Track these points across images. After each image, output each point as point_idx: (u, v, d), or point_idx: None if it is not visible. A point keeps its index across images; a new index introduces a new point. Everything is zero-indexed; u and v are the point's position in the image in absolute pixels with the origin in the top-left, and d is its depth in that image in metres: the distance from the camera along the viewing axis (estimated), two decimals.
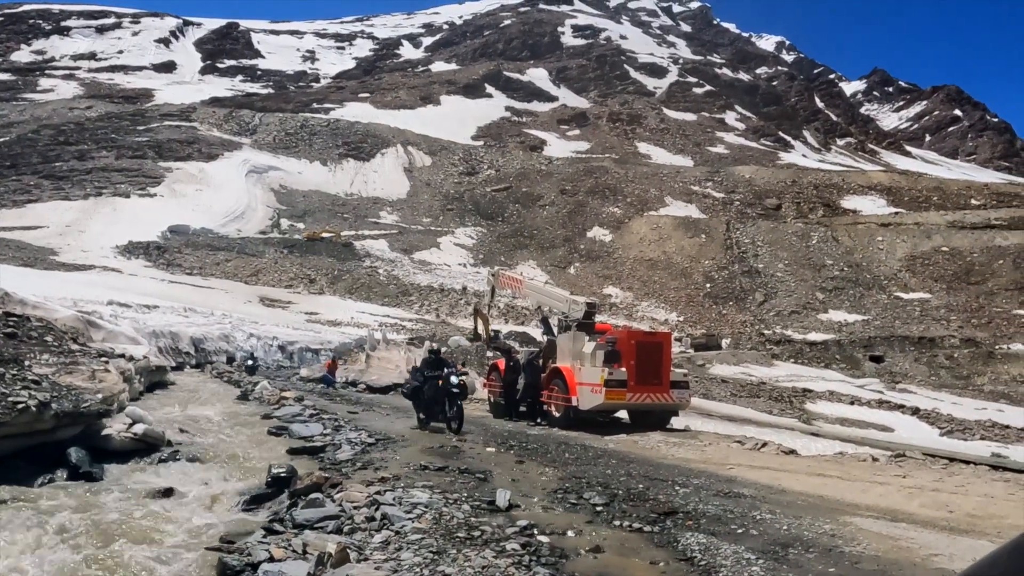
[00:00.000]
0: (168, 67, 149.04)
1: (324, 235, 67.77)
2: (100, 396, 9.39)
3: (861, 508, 7.65)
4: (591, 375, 14.02)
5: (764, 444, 12.18)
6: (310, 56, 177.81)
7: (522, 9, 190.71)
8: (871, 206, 77.69)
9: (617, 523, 6.41)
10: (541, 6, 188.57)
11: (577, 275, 66.63)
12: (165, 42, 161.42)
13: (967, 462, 10.73)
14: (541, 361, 16.15)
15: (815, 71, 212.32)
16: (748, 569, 5.25)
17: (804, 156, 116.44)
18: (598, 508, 6.91)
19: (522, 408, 16.03)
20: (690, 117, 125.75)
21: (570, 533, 6.01)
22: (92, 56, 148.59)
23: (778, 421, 22.67)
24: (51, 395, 8.40)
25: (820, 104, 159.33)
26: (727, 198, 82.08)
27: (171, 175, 76.50)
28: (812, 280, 61.59)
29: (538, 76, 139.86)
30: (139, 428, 9.57)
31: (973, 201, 76.38)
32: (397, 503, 6.47)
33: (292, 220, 74.14)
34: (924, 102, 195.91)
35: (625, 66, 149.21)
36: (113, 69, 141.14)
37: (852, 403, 29.92)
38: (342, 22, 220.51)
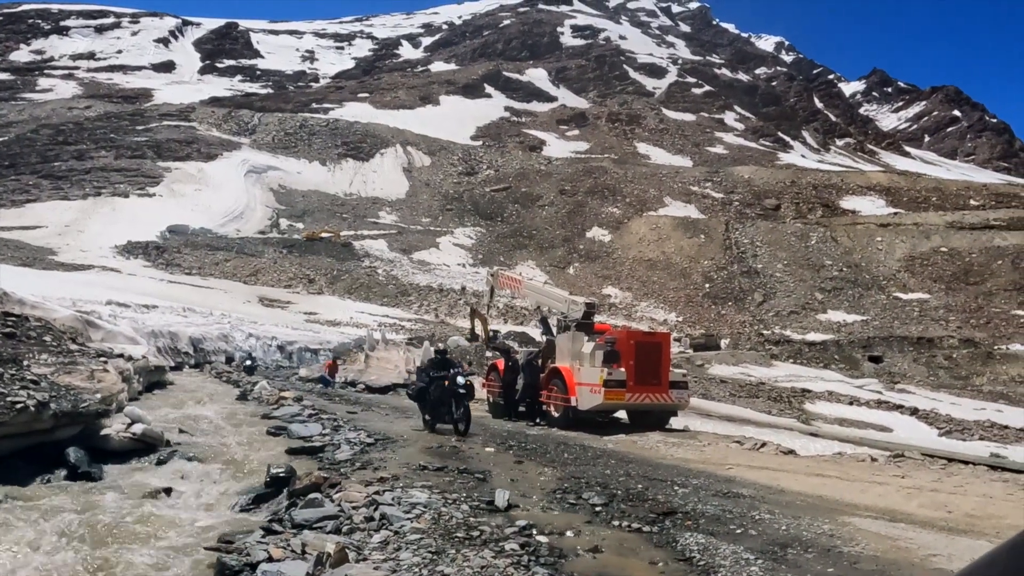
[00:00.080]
0: (167, 67, 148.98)
1: (323, 235, 67.75)
2: (99, 396, 9.39)
3: (860, 508, 7.65)
4: (590, 375, 14.02)
5: (763, 444, 12.19)
6: (309, 56, 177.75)
7: (521, 9, 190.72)
8: (870, 206, 77.74)
9: (616, 523, 6.41)
10: (540, 6, 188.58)
11: (576, 275, 66.64)
12: (164, 42, 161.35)
13: (966, 462, 10.74)
14: (540, 361, 16.16)
15: (814, 71, 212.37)
16: (747, 569, 5.25)
17: (803, 156, 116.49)
18: (597, 508, 6.91)
19: (521, 408, 16.03)
20: (689, 117, 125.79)
21: (569, 533, 6.01)
22: (91, 56, 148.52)
23: (777, 421, 22.68)
24: (50, 395, 8.39)
25: (819, 104, 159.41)
26: (726, 198, 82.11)
27: (170, 175, 76.47)
28: (811, 280, 61.62)
29: (537, 76, 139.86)
30: (138, 428, 9.56)
31: (972, 202, 76.45)
32: (396, 503, 6.47)
33: (291, 220, 74.11)
34: (923, 103, 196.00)
35: (624, 66, 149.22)
36: (112, 69, 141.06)
37: (851, 403, 29.94)
38: (341, 22, 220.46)
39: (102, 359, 11.73)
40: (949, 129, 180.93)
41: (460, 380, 12.28)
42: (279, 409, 14.51)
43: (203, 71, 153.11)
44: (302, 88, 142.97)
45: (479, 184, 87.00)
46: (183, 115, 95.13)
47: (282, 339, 32.53)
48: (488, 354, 22.82)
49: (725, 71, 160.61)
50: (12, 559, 5.48)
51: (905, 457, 10.99)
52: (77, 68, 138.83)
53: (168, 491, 7.60)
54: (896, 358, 44.84)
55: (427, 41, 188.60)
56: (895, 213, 74.00)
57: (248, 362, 26.40)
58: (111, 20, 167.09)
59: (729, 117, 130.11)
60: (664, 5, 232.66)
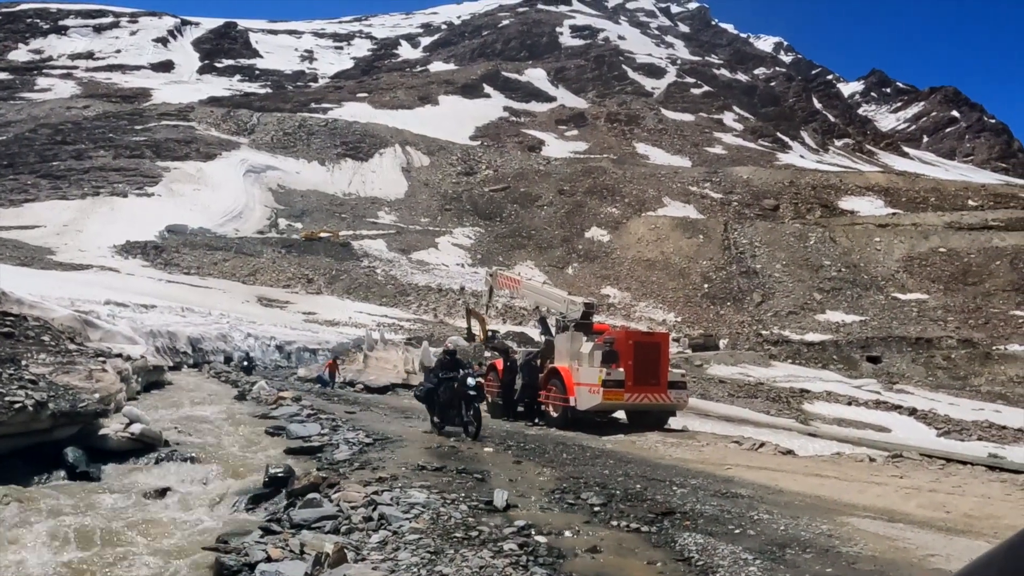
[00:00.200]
0: (166, 66, 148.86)
1: (322, 235, 67.73)
2: (97, 396, 9.38)
3: (858, 508, 7.66)
4: (589, 375, 14.03)
5: (762, 444, 12.19)
6: (308, 56, 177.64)
7: (520, 9, 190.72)
8: (869, 207, 77.80)
9: (615, 523, 6.41)
10: (539, 6, 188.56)
11: (575, 275, 66.65)
12: (163, 41, 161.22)
13: (964, 463, 10.75)
14: (539, 361, 16.16)
15: (813, 72, 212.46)
16: (745, 569, 5.25)
17: (802, 157, 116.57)
18: (596, 508, 6.91)
19: (520, 408, 16.04)
20: (688, 118, 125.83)
21: (568, 533, 6.01)
22: (90, 55, 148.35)
23: (775, 421, 22.71)
24: (48, 395, 8.39)
25: (818, 105, 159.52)
26: (725, 199, 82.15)
27: (169, 175, 76.41)
28: (810, 281, 61.66)
29: (536, 76, 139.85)
30: (136, 428, 9.55)
31: (970, 202, 76.53)
32: (395, 503, 6.47)
33: (290, 220, 74.07)
34: (922, 103, 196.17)
35: (623, 66, 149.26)
36: (111, 68, 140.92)
37: (849, 403, 29.98)
38: (340, 22, 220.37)
39: (100, 359, 11.72)
40: (948, 130, 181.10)
41: (471, 381, 11.88)
42: (278, 409, 14.50)
43: (202, 71, 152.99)
44: (301, 88, 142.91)
45: (478, 184, 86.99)
46: (182, 115, 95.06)
47: (281, 339, 32.51)
48: (487, 354, 22.85)
49: (724, 71, 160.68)
50: (10, 559, 5.47)
51: (903, 457, 11.00)
52: (76, 68, 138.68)
53: (166, 491, 7.60)
54: (894, 358, 44.90)
55: (426, 41, 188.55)
56: (894, 213, 74.06)
57: (246, 362, 26.38)
58: (110, 20, 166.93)
59: (728, 117, 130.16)
60: (663, 5, 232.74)
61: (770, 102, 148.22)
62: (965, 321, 52.99)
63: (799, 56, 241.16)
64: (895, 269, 62.09)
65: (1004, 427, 26.54)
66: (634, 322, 54.47)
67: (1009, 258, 59.30)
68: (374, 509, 6.26)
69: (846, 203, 79.44)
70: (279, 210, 76.02)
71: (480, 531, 5.81)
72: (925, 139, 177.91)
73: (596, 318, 16.74)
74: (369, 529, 5.82)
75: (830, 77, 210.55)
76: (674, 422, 15.19)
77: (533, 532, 5.89)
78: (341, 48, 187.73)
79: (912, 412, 28.83)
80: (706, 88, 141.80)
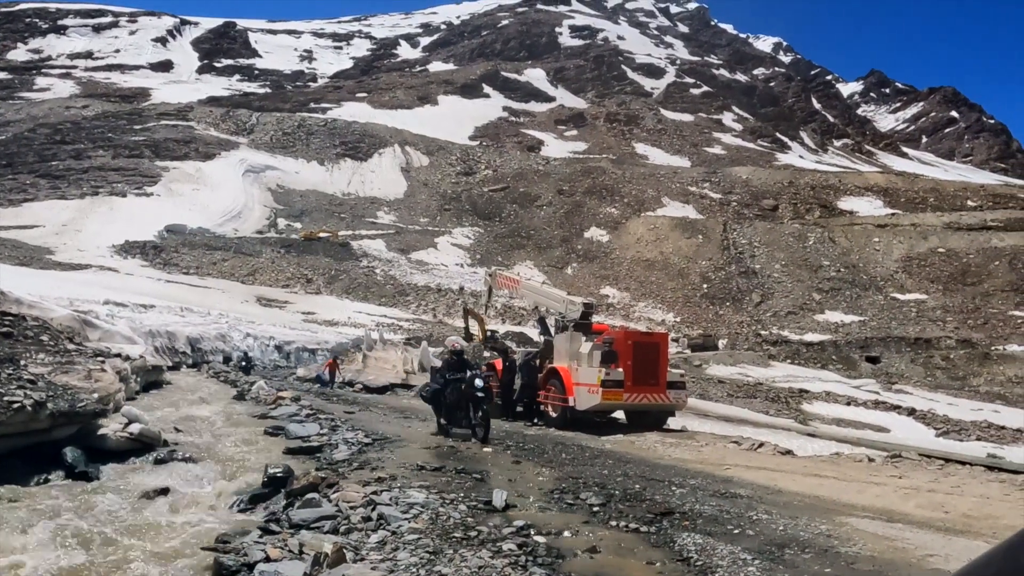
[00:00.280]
0: (165, 66, 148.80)
1: (321, 235, 67.72)
2: (96, 396, 9.37)
3: (857, 508, 7.66)
4: (588, 375, 14.03)
5: (761, 445, 12.20)
6: (307, 56, 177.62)
7: (520, 9, 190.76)
8: (868, 207, 77.86)
9: (614, 523, 6.41)
10: (539, 6, 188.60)
11: (574, 275, 66.67)
12: (162, 41, 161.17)
13: (963, 463, 10.76)
14: (538, 361, 16.16)
15: (812, 72, 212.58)
16: (744, 569, 5.25)
17: (801, 157, 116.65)
18: (595, 508, 6.91)
19: (519, 408, 16.03)
20: (687, 118, 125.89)
21: (567, 533, 6.01)
22: (89, 55, 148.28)
23: (775, 422, 22.72)
24: (47, 395, 8.38)
25: (817, 105, 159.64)
26: (724, 199, 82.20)
27: (168, 174, 76.37)
28: (809, 281, 61.70)
29: (535, 76, 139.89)
30: (135, 428, 9.55)
31: (969, 202, 76.60)
32: (394, 503, 6.46)
33: (289, 220, 74.06)
34: (921, 103, 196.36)
35: (622, 67, 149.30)
36: (110, 68, 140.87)
37: (848, 404, 30.00)
38: (340, 22, 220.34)
39: (99, 359, 11.72)
40: (947, 130, 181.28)
41: (478, 383, 11.54)
42: (277, 409, 14.49)
43: (201, 70, 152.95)
44: (300, 88, 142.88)
45: (477, 184, 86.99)
46: (181, 114, 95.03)
47: (280, 339, 32.51)
48: (486, 354, 22.88)
49: (723, 71, 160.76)
50: (8, 559, 5.47)
51: (902, 457, 11.00)
52: (75, 67, 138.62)
53: (165, 491, 7.59)
54: (893, 358, 44.93)
55: (425, 41, 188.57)
56: (893, 214, 74.12)
57: (244, 362, 26.37)
58: (109, 19, 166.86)
59: (727, 117, 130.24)
60: (662, 6, 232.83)
61: (769, 102, 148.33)
62: (964, 321, 53.04)
63: (798, 56, 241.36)
64: (894, 269, 62.13)
65: (1003, 427, 26.57)
66: (633, 322, 54.49)
67: (1008, 258, 59.36)
68: (373, 509, 6.25)
69: (845, 203, 79.50)
70: (278, 210, 76.01)
71: (479, 531, 5.81)
72: (924, 139, 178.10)
73: (595, 318, 16.74)
74: (368, 529, 5.82)
75: (829, 77, 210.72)
76: (673, 422, 15.19)
77: (532, 532, 5.89)
78: (340, 48, 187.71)
79: (911, 412, 28.85)
80: (705, 88, 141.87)
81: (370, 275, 60.41)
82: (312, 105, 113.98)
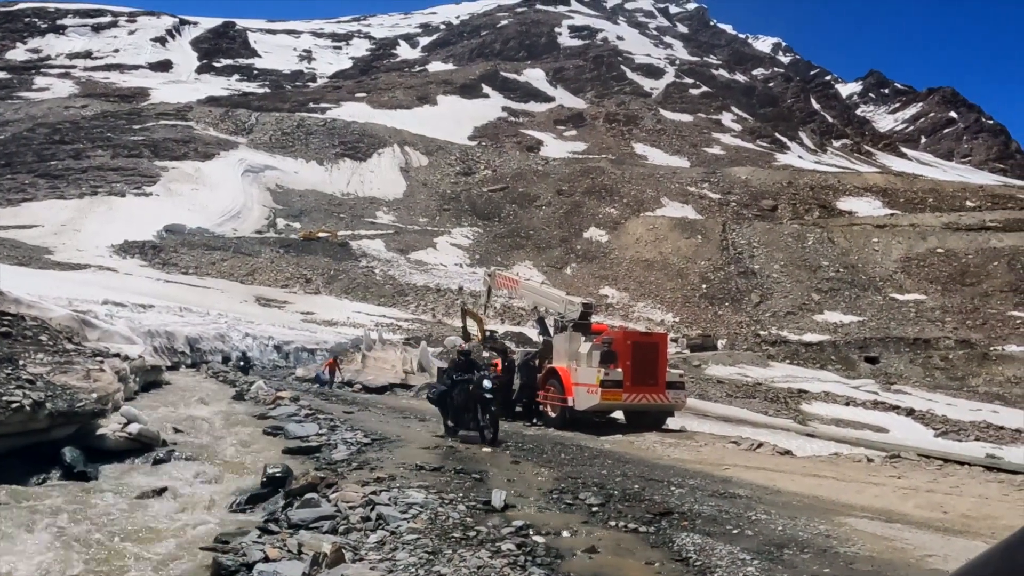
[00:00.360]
0: (164, 66, 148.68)
1: (320, 235, 67.70)
2: (95, 396, 9.37)
3: (856, 509, 7.67)
4: (587, 375, 14.03)
5: (760, 445, 12.20)
6: (307, 56, 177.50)
7: (519, 9, 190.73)
8: (867, 207, 77.90)
9: (613, 523, 6.41)
10: (538, 6, 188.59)
11: (573, 275, 66.68)
12: (161, 41, 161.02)
13: (961, 463, 10.77)
14: (537, 361, 16.16)
15: (811, 72, 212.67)
16: (743, 569, 5.26)
17: (800, 157, 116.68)
18: (594, 509, 6.91)
19: (518, 408, 16.03)
20: (686, 118, 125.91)
21: (566, 533, 6.01)
22: (88, 55, 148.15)
23: (774, 422, 22.73)
24: (46, 394, 8.38)
25: (816, 106, 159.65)
26: (723, 199, 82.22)
27: (167, 174, 76.32)
28: (808, 281, 61.72)
29: (535, 76, 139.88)
30: (134, 428, 9.54)
31: (968, 203, 76.65)
32: (393, 503, 6.46)
33: (288, 220, 74.02)
34: (920, 104, 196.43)
35: (622, 67, 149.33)
36: (109, 68, 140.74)
37: (847, 404, 30.00)
38: (339, 22, 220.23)
39: (98, 359, 11.71)
40: (946, 130, 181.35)
41: (487, 384, 11.31)
42: (276, 409, 14.49)
43: (200, 70, 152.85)
44: (299, 88, 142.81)
45: (476, 184, 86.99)
46: (180, 114, 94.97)
47: (279, 339, 32.50)
48: (485, 354, 22.88)
49: (722, 72, 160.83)
50: (7, 559, 5.46)
51: (901, 458, 11.01)
52: (74, 67, 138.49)
53: (164, 491, 7.59)
54: (892, 359, 44.94)
55: (424, 41, 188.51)
56: (892, 214, 74.16)
57: (242, 362, 26.37)
58: (108, 19, 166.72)
59: (726, 118, 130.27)
60: (662, 6, 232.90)
61: (768, 103, 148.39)
62: (963, 322, 53.07)
63: (797, 57, 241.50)
64: (893, 270, 62.17)
65: (1001, 427, 26.58)
66: (632, 322, 54.49)
67: (1007, 259, 59.40)
68: (372, 509, 6.25)
69: (844, 204, 79.54)
70: (277, 210, 75.97)
71: (478, 531, 5.81)
72: (923, 140, 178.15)
73: (594, 318, 16.74)
74: (367, 529, 5.82)
75: (828, 78, 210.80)
76: (672, 422, 15.19)
77: (531, 532, 5.89)
78: (340, 48, 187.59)
79: (910, 412, 28.86)
80: (704, 88, 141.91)
81: (369, 275, 60.39)
82: (311, 105, 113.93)
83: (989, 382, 40.59)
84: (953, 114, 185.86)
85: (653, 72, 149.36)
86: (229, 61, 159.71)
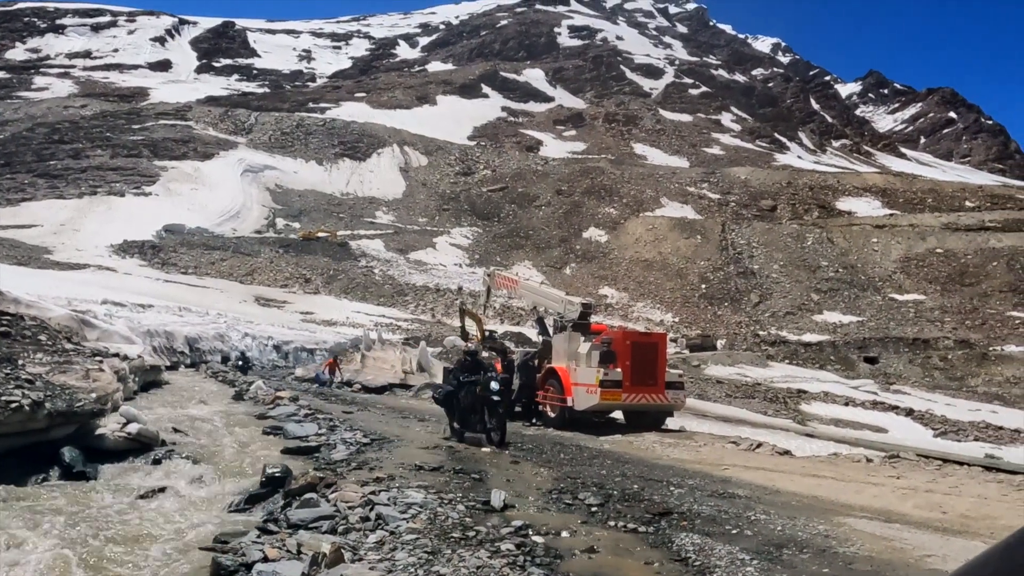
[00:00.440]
0: (164, 66, 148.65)
1: (320, 235, 67.70)
2: (94, 395, 9.37)
3: (855, 509, 7.67)
4: (586, 375, 14.03)
5: (759, 445, 12.20)
6: (306, 55, 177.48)
7: (518, 10, 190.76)
8: (866, 208, 77.94)
9: (612, 523, 6.41)
10: (537, 7, 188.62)
11: (573, 275, 66.69)
12: (161, 41, 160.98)
13: (961, 463, 10.77)
14: (536, 361, 16.16)
15: (811, 73, 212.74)
16: (742, 570, 5.26)
17: (799, 158, 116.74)
18: (593, 509, 6.91)
19: (517, 408, 16.02)
20: (686, 118, 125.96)
21: (565, 533, 6.01)
22: (87, 54, 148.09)
23: (773, 422, 22.74)
24: (45, 394, 8.37)
25: (815, 106, 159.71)
26: (723, 199, 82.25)
27: (166, 174, 76.32)
28: (807, 281, 61.75)
29: (534, 76, 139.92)
30: (133, 428, 9.54)
31: (967, 203, 76.70)
32: (392, 503, 6.46)
33: (288, 220, 74.03)
34: (919, 104, 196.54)
35: (621, 67, 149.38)
36: (108, 67, 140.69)
37: (846, 404, 30.00)
38: (338, 22, 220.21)
39: (97, 358, 11.71)
40: (945, 131, 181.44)
41: (494, 385, 11.08)
42: (275, 409, 14.48)
43: (200, 70, 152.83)
44: (299, 87, 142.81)
45: (476, 184, 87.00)
46: (179, 114, 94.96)
47: (278, 339, 32.50)
48: (484, 354, 22.85)
49: (722, 72, 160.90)
50: (6, 559, 5.46)
51: (900, 458, 11.01)
52: (73, 67, 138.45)
53: (163, 491, 7.59)
54: (891, 359, 44.95)
55: (424, 41, 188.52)
56: (891, 214, 74.20)
57: (241, 361, 26.37)
58: (107, 19, 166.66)
59: (726, 118, 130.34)
60: (661, 6, 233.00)
61: (768, 103, 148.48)
62: (962, 322, 53.11)
63: (797, 57, 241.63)
64: (892, 270, 62.20)
65: (1001, 428, 26.59)
66: (632, 322, 54.50)
67: (1006, 259, 59.44)
68: (371, 509, 6.25)
69: (843, 204, 79.58)
70: (277, 210, 75.98)
71: (477, 531, 5.81)
72: (922, 140, 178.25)
73: (594, 318, 16.74)
74: (366, 529, 5.82)
75: (828, 78, 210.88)
76: (671, 422, 15.19)
77: (530, 532, 5.89)
78: (339, 48, 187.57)
79: (909, 413, 28.87)
80: (704, 89, 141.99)
81: (368, 275, 60.39)
82: (311, 105, 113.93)
83: (988, 382, 40.61)
84: (952, 114, 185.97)
85: (652, 72, 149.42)
86: (228, 61, 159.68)
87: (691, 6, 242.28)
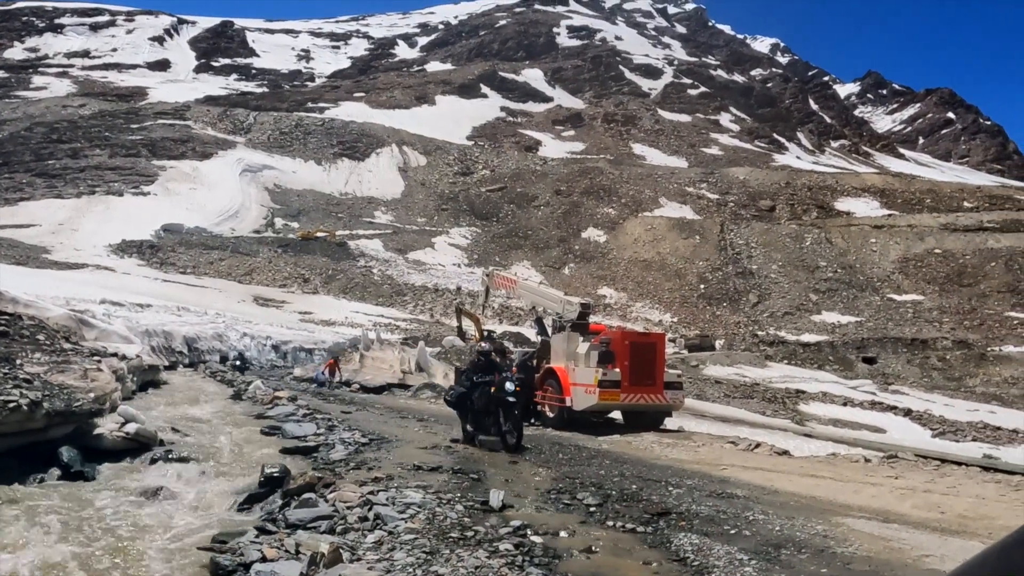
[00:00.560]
0: (162, 65, 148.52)
1: (318, 235, 67.68)
2: (92, 395, 9.36)
3: (853, 509, 7.68)
4: (585, 376, 14.03)
5: (757, 445, 12.20)
6: (305, 55, 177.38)
7: (517, 10, 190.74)
8: (864, 208, 77.99)
9: (610, 524, 6.41)
10: (536, 7, 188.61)
11: (571, 276, 66.69)
12: (159, 40, 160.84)
13: (959, 463, 10.78)
14: (535, 361, 16.16)
15: (809, 73, 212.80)
16: (741, 570, 5.26)
17: (798, 158, 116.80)
18: (591, 509, 6.91)
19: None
20: (685, 118, 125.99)
21: (563, 533, 6.01)
22: (86, 54, 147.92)
23: (771, 422, 22.75)
24: (43, 394, 8.36)
25: (814, 106, 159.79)
26: (721, 199, 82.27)
27: (165, 173, 76.27)
28: (805, 281, 61.79)
29: (533, 77, 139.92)
30: (131, 427, 9.53)
31: (966, 203, 76.77)
32: (390, 503, 6.46)
33: (286, 219, 74.00)
34: (917, 105, 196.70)
35: (620, 67, 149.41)
36: (107, 67, 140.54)
37: (845, 404, 30.01)
38: (337, 21, 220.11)
39: (96, 358, 11.69)
40: (943, 131, 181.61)
41: (509, 386, 10.73)
42: (273, 409, 14.47)
43: (198, 70, 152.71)
44: (298, 87, 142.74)
45: (475, 184, 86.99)
46: (178, 114, 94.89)
47: (277, 339, 32.48)
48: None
49: (721, 72, 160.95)
50: (3, 559, 5.45)
51: (898, 458, 11.02)
52: (72, 66, 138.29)
53: (161, 491, 7.58)
54: (890, 359, 44.97)
55: (423, 41, 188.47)
56: (889, 215, 74.26)
57: (239, 361, 26.35)
58: (106, 18, 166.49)
59: (724, 118, 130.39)
60: (660, 6, 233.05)
61: (766, 103, 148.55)
62: (960, 322, 53.15)
63: (796, 57, 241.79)
64: (891, 270, 62.26)
65: (999, 428, 26.60)
66: (630, 322, 54.52)
67: (1004, 259, 59.51)
68: (370, 509, 6.25)
69: (842, 204, 79.63)
70: (275, 209, 75.94)
71: (476, 531, 5.81)
72: (921, 141, 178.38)
73: (592, 318, 16.75)
74: (365, 529, 5.81)
75: (826, 78, 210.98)
76: (670, 423, 15.20)
77: (529, 532, 5.89)
78: (338, 48, 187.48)
79: (907, 413, 28.88)
80: (703, 89, 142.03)
81: (367, 275, 60.37)
82: (309, 105, 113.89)
83: (986, 382, 40.64)
84: (951, 115, 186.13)
85: (651, 72, 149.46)
86: (227, 60, 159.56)
87: (690, 6, 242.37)
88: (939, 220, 68.86)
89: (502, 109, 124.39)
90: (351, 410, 15.46)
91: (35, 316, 12.87)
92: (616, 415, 15.26)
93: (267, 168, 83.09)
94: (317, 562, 4.90)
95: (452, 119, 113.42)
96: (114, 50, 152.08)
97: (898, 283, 60.57)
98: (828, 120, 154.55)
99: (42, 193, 70.52)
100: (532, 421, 15.30)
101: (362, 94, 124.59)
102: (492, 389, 10.78)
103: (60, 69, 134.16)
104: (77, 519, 6.41)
